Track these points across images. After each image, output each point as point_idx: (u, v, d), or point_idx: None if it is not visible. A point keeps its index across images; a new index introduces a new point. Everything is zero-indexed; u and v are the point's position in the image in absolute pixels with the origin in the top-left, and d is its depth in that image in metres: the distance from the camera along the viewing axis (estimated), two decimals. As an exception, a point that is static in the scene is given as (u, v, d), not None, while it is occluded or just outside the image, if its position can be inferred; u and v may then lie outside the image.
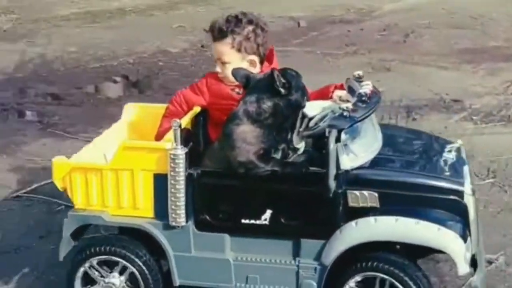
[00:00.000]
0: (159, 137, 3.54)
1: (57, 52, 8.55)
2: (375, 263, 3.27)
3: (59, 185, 3.45)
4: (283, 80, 3.22)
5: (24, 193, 5.00)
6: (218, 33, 3.50)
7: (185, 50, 8.45)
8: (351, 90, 3.51)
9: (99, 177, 3.37)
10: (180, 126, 3.24)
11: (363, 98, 3.34)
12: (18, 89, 7.26)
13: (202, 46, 8.40)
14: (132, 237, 3.49)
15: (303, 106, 3.30)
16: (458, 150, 3.59)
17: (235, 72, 3.34)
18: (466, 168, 3.50)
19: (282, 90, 3.22)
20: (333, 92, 3.51)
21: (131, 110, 3.93)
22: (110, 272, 3.46)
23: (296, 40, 8.85)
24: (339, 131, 3.18)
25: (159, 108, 3.77)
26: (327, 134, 3.17)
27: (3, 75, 7.80)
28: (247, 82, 3.35)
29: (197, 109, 3.61)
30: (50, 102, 6.97)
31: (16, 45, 8.88)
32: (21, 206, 4.87)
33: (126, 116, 3.93)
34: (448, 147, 3.54)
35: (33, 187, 5.06)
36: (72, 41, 8.95)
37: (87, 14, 10.35)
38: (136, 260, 3.43)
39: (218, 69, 3.54)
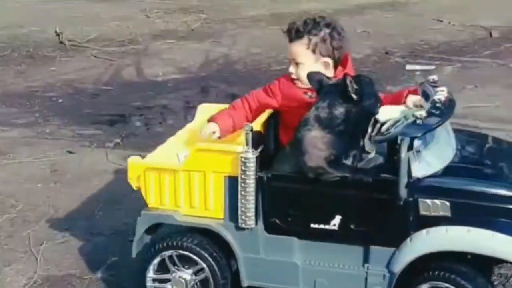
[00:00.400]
0: (212, 119, 3.60)
1: (241, 53, 8.69)
2: (444, 273, 3.23)
3: (134, 184, 3.54)
4: (355, 86, 3.21)
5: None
6: (295, 33, 3.50)
7: (368, 56, 8.43)
8: (425, 95, 3.46)
9: (172, 177, 3.44)
10: (251, 129, 3.28)
11: (437, 105, 3.29)
12: (201, 87, 7.40)
13: (387, 53, 8.39)
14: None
15: (376, 113, 3.27)
16: None
17: (310, 75, 3.35)
18: None
19: (354, 97, 3.21)
20: (406, 97, 3.46)
21: (205, 111, 3.98)
22: (186, 268, 3.53)
23: (487, 51, 8.54)
24: (412, 139, 3.15)
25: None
26: (399, 141, 3.15)
27: (188, 73, 7.98)
28: (320, 87, 3.35)
29: (269, 111, 3.64)
30: (229, 103, 6.88)
31: (202, 44, 9.08)
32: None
33: (199, 117, 3.98)
34: None
35: None
36: (256, 42, 9.07)
37: (272, 16, 10.43)
38: (209, 258, 3.49)
39: (291, 69, 3.54)
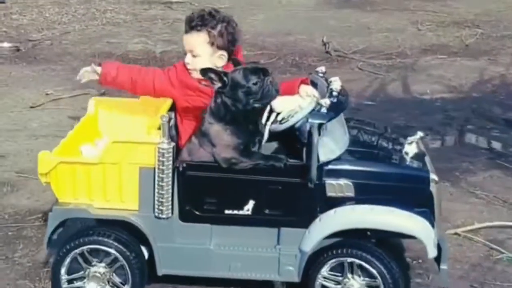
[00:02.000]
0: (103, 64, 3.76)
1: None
2: (350, 249, 3.49)
3: (43, 179, 3.51)
4: (212, 75, 3.38)
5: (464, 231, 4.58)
6: (194, 26, 3.63)
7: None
8: (314, 85, 3.74)
9: (86, 171, 3.46)
10: (169, 121, 3.37)
11: (334, 93, 3.55)
12: (471, 109, 6.75)
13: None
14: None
15: (247, 106, 3.39)
16: (418, 142, 3.83)
17: (203, 72, 3.45)
18: (427, 158, 3.76)
19: (219, 85, 3.39)
20: (299, 87, 3.69)
21: (96, 105, 4.03)
22: (99, 262, 3.55)
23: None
24: (319, 126, 3.38)
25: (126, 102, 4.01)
26: (308, 127, 3.37)
27: (458, 93, 7.31)
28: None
29: (169, 101, 3.74)
30: (503, 129, 6.33)
31: (477, 62, 8.31)
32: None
33: (92, 110, 4.02)
34: (409, 139, 3.77)
35: (475, 227, 4.62)
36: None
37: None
38: (121, 246, 3.52)
39: (188, 60, 3.66)
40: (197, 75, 3.63)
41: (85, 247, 3.53)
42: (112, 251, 3.52)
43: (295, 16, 10.39)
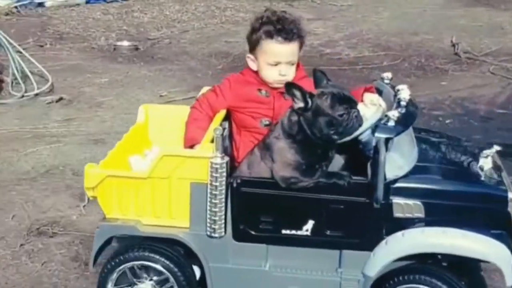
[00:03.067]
0: (187, 143, 3.43)
1: None
2: (418, 276, 3.20)
3: (90, 194, 3.32)
4: (297, 93, 3.09)
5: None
6: (293, 34, 3.37)
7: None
8: (380, 93, 3.44)
9: (135, 186, 3.25)
10: (222, 134, 3.13)
11: (402, 103, 3.25)
12: None
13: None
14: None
15: (325, 137, 3.12)
16: (494, 156, 3.53)
17: (288, 88, 3.13)
18: (504, 174, 3.44)
19: (300, 106, 3.10)
20: (362, 95, 3.39)
21: (147, 111, 3.81)
22: (149, 280, 3.36)
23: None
24: (387, 140, 3.10)
25: (177, 109, 3.80)
26: (374, 143, 3.09)
27: None
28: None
29: (223, 112, 3.50)
30: None
31: None
32: None
33: (142, 118, 3.81)
34: (485, 153, 3.46)
35: None
36: None
37: None
38: (174, 268, 3.32)
39: (287, 72, 3.38)
40: (279, 84, 3.39)
41: (136, 263, 3.34)
42: (165, 271, 3.32)
43: (422, 15, 9.94)
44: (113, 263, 3.35)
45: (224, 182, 3.16)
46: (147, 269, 3.36)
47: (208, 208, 3.19)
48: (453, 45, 8.36)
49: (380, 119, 3.18)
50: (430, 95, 6.95)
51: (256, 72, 3.45)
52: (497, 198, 3.23)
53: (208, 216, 3.21)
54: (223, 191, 3.17)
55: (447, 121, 6.31)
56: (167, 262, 3.32)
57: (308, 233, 3.22)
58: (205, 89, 3.76)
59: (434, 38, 8.76)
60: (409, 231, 3.16)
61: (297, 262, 3.29)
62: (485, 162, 3.41)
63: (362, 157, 3.26)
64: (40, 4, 10.86)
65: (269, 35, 3.33)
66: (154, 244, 3.37)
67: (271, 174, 3.19)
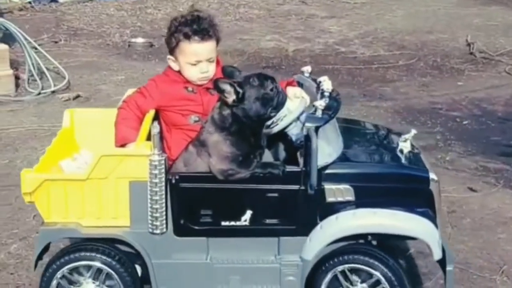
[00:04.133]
0: (118, 142, 3.47)
1: None
2: (352, 256, 3.37)
3: (27, 199, 3.32)
4: (231, 90, 3.21)
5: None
6: (207, 32, 3.48)
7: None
8: (301, 86, 3.61)
9: (74, 188, 3.27)
10: (159, 132, 3.21)
11: (326, 94, 3.42)
12: None
13: None
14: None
15: (268, 117, 3.29)
16: (411, 139, 3.68)
17: (217, 84, 3.27)
18: (422, 156, 3.67)
19: (230, 101, 3.23)
20: (285, 89, 3.52)
21: (72, 116, 3.83)
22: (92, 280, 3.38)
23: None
24: (316, 129, 3.25)
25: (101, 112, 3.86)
26: (304, 131, 3.24)
27: None
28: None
29: (152, 112, 3.57)
30: None
31: None
32: None
33: (67, 122, 3.82)
34: (403, 137, 3.66)
35: None
36: None
37: None
38: (114, 263, 3.36)
39: (207, 68, 3.51)
40: (204, 81, 3.53)
41: (74, 265, 3.36)
42: (107, 268, 3.35)
43: (436, 13, 9.93)
44: (50, 270, 3.36)
45: (163, 179, 3.23)
46: (88, 269, 3.37)
47: (149, 205, 3.25)
48: (468, 45, 8.32)
49: (303, 111, 3.35)
50: (447, 95, 6.96)
51: (179, 72, 3.55)
52: (420, 178, 3.45)
53: (149, 213, 3.27)
54: (163, 188, 3.24)
55: (465, 122, 6.30)
56: (109, 260, 3.35)
57: (247, 223, 3.33)
58: (130, 91, 3.83)
59: (449, 37, 8.77)
60: (342, 214, 3.33)
61: (237, 252, 3.40)
62: (404, 146, 3.62)
63: (290, 147, 3.43)
64: (54, 0, 10.78)
65: (187, 37, 3.46)
66: (92, 243, 3.39)
67: (209, 168, 3.29)
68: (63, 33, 9.12)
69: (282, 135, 3.46)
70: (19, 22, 7.79)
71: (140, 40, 8.71)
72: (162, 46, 8.16)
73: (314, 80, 3.66)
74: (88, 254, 3.36)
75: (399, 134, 3.75)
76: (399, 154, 3.58)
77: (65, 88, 6.99)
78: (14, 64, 7.22)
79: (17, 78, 7.08)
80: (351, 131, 3.77)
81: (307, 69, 3.78)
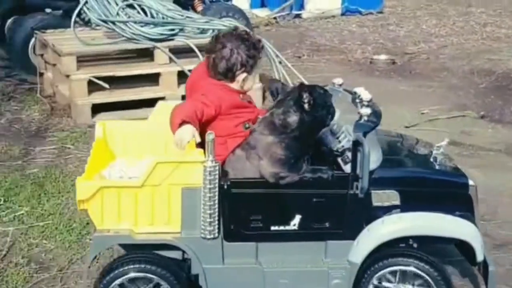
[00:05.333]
0: (178, 118, 3.39)
1: None
2: (398, 258, 3.47)
3: (80, 207, 3.35)
4: (309, 97, 3.35)
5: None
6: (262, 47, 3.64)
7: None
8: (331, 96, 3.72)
9: (128, 195, 3.32)
10: (213, 139, 3.27)
11: (365, 103, 3.53)
12: None
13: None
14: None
15: (328, 124, 3.45)
16: (445, 148, 3.79)
17: (271, 84, 3.50)
18: (455, 163, 3.79)
19: (307, 106, 3.35)
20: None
21: (102, 128, 3.87)
22: None
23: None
24: (364, 135, 3.35)
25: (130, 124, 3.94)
26: (353, 138, 3.34)
27: None
28: (277, 94, 3.52)
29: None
30: None
31: None
32: None
33: (98, 134, 3.85)
34: (436, 145, 3.78)
35: None
36: None
37: None
38: (166, 273, 3.40)
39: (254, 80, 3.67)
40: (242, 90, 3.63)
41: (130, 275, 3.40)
42: (158, 278, 3.39)
43: None
44: (105, 282, 3.38)
45: (217, 185, 3.29)
46: (134, 281, 3.41)
47: (202, 210, 3.32)
48: None
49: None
50: None
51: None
52: (460, 184, 3.57)
53: (202, 218, 3.33)
54: (216, 193, 3.31)
55: None
56: (159, 270, 3.40)
57: (296, 227, 3.41)
58: (160, 103, 3.95)
59: None
60: (388, 218, 3.43)
61: (286, 256, 3.47)
62: (438, 154, 3.74)
63: (326, 153, 3.54)
64: (298, 16, 10.99)
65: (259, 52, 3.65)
66: (144, 254, 3.44)
67: (258, 172, 3.36)
68: (306, 49, 9.17)
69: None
70: (265, 36, 7.59)
71: (382, 57, 8.64)
72: (405, 64, 8.31)
73: (349, 91, 3.78)
74: (149, 267, 3.39)
75: (430, 144, 3.88)
76: (435, 161, 3.68)
77: None
78: (261, 78, 7.20)
79: (264, 91, 7.11)
80: (387, 140, 3.88)
81: (338, 80, 3.91)
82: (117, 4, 6.84)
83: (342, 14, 11.22)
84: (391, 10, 11.27)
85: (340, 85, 3.89)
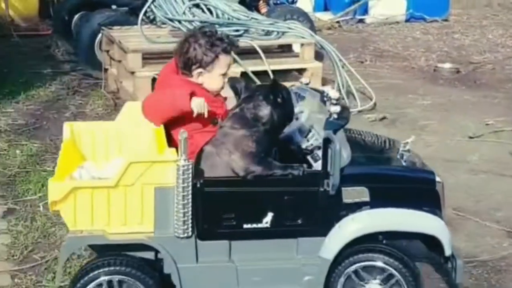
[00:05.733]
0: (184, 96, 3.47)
1: None
2: (369, 254, 3.53)
3: (52, 207, 3.33)
4: (282, 91, 3.44)
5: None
6: (232, 46, 3.66)
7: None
8: (298, 97, 3.80)
9: (100, 196, 3.31)
10: (186, 138, 3.28)
11: (334, 101, 3.57)
12: None
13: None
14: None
15: (293, 118, 3.55)
16: (411, 145, 3.86)
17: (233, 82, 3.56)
18: (422, 160, 3.88)
19: (280, 100, 3.42)
20: None
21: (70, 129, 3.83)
22: None
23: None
24: (335, 132, 3.41)
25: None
26: (324, 135, 3.40)
27: None
28: (239, 91, 3.58)
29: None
30: None
31: None
32: None
33: (67, 135, 3.80)
34: (403, 143, 3.85)
35: None
36: None
37: None
38: (138, 273, 3.40)
39: (223, 80, 3.66)
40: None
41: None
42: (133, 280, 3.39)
43: None
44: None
45: (190, 184, 3.31)
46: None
47: (176, 210, 3.33)
48: None
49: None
50: None
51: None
52: (428, 180, 3.65)
53: (176, 217, 3.34)
54: (190, 192, 3.32)
55: None
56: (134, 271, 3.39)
57: (268, 225, 3.45)
58: (128, 103, 3.97)
59: None
60: (358, 215, 3.49)
61: (258, 254, 3.50)
62: (405, 151, 3.81)
63: (293, 152, 3.62)
64: (361, 21, 10.89)
65: (226, 51, 3.63)
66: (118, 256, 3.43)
67: (229, 167, 3.39)
68: (368, 54, 9.11)
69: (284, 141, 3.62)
70: (327, 40, 7.61)
71: (447, 65, 8.55)
72: (469, 74, 8.19)
73: (317, 91, 3.85)
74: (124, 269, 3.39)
75: (397, 141, 3.96)
76: (403, 158, 3.76)
77: (371, 109, 6.94)
78: (322, 81, 7.24)
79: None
80: (353, 139, 3.94)
81: (305, 80, 4.00)
82: (184, 3, 6.93)
83: (406, 21, 11.24)
84: (457, 18, 11.30)
85: (307, 84, 3.96)
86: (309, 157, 3.59)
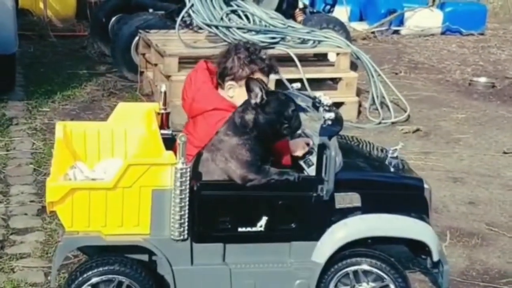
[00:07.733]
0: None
1: None
2: (356, 258, 3.60)
3: (49, 208, 3.38)
4: (260, 94, 3.42)
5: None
6: (271, 68, 3.72)
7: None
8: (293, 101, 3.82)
9: (98, 197, 3.36)
10: (185, 142, 3.34)
11: (327, 108, 3.64)
12: None
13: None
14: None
15: (276, 130, 3.47)
16: (399, 152, 3.95)
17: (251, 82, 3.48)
18: (410, 167, 3.96)
19: (253, 102, 3.43)
20: None
21: (63, 129, 3.87)
22: None
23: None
24: (329, 138, 3.47)
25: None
26: (319, 141, 3.47)
27: None
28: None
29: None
30: None
31: None
32: None
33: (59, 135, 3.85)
34: (391, 150, 3.93)
35: None
36: None
37: None
38: (135, 274, 3.45)
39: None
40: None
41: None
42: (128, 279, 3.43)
43: None
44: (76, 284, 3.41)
45: (187, 186, 3.37)
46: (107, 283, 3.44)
47: (172, 212, 3.38)
48: None
49: None
50: None
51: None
52: (416, 187, 3.73)
53: (172, 220, 3.40)
54: (187, 195, 3.38)
55: None
56: (128, 271, 3.44)
57: (262, 228, 3.51)
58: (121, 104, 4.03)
59: None
60: (350, 219, 3.57)
61: (252, 257, 3.57)
62: (393, 158, 3.89)
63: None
64: (396, 32, 10.91)
65: (263, 72, 3.67)
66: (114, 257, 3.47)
67: (224, 173, 3.45)
68: (403, 65, 9.10)
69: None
70: (362, 50, 7.63)
71: (482, 79, 8.52)
72: (505, 88, 8.19)
73: (309, 96, 3.93)
74: (118, 268, 3.42)
75: (385, 149, 4.03)
76: (390, 164, 3.85)
77: (404, 120, 6.96)
78: (357, 92, 7.24)
79: (359, 105, 7.12)
80: (343, 145, 3.97)
81: (297, 85, 4.07)
82: (221, 9, 6.97)
83: (442, 33, 11.27)
84: (493, 33, 11.29)
85: (299, 89, 4.02)
86: (301, 162, 3.67)
